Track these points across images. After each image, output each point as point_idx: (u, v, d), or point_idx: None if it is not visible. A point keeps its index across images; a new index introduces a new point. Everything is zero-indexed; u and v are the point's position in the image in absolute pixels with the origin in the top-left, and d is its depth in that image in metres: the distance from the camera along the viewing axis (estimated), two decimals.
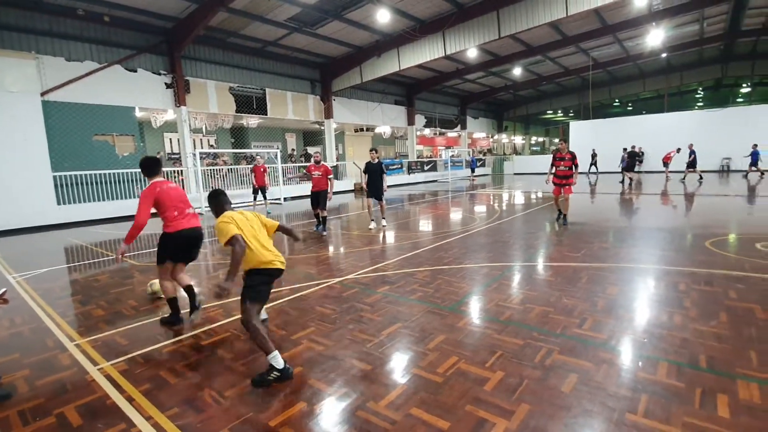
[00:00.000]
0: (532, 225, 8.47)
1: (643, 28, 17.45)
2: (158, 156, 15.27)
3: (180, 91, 14.05)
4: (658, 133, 23.66)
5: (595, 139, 25.34)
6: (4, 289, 2.68)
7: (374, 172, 8.47)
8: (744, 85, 26.94)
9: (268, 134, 22.43)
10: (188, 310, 3.82)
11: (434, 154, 32.63)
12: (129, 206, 12.46)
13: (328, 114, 19.83)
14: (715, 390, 2.44)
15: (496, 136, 37.51)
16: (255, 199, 12.71)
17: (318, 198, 8.37)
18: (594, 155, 22.75)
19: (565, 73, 25.31)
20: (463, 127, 31.15)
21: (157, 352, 3.26)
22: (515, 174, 29.24)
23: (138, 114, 13.88)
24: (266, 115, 17.43)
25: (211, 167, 15.71)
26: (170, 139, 19.78)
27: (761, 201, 10.73)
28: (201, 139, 20.50)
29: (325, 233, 8.31)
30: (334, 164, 19.96)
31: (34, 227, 10.56)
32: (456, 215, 10.72)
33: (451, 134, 32.62)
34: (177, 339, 3.50)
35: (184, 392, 2.66)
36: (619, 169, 17.55)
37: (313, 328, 3.60)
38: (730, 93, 27.86)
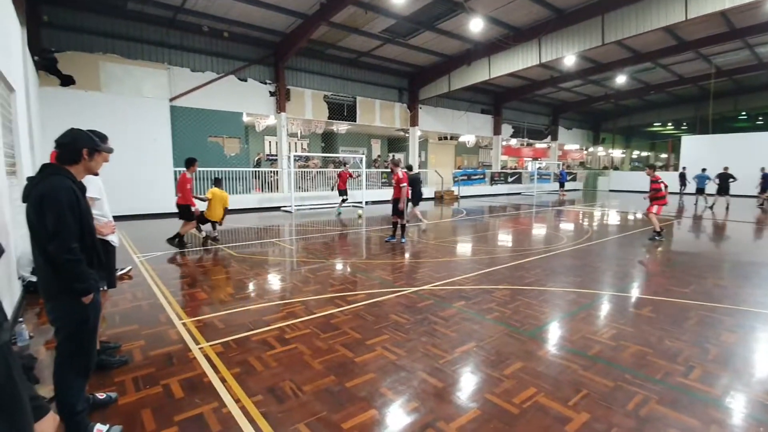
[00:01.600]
0: (628, 250, 7.66)
1: None
2: (258, 157, 16.85)
3: (282, 99, 15.35)
4: None
5: (715, 156, 22.06)
6: (130, 267, 3.16)
7: (416, 182, 9.86)
8: None
9: (355, 140, 23.41)
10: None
11: (519, 166, 31.17)
12: (232, 201, 13.90)
13: (414, 122, 20.07)
14: None
15: (591, 149, 34.62)
16: (343, 201, 13.59)
17: (395, 205, 8.40)
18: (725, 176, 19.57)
19: (679, 82, 22.47)
20: (554, 138, 29.29)
21: (248, 339, 3.59)
22: (611, 191, 26.68)
23: (244, 119, 15.47)
24: (355, 121, 18.23)
25: (302, 169, 16.84)
26: (269, 141, 21.65)
27: None
28: (295, 143, 22.10)
29: (399, 240, 8.37)
30: (417, 172, 20.12)
31: (156, 214, 12.29)
32: (540, 232, 10.12)
33: (540, 145, 30.88)
34: (265, 329, 3.81)
35: (269, 381, 2.89)
36: (757, 192, 15.40)
37: (387, 335, 3.67)
38: None
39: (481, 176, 23.25)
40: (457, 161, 27.53)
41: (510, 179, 24.96)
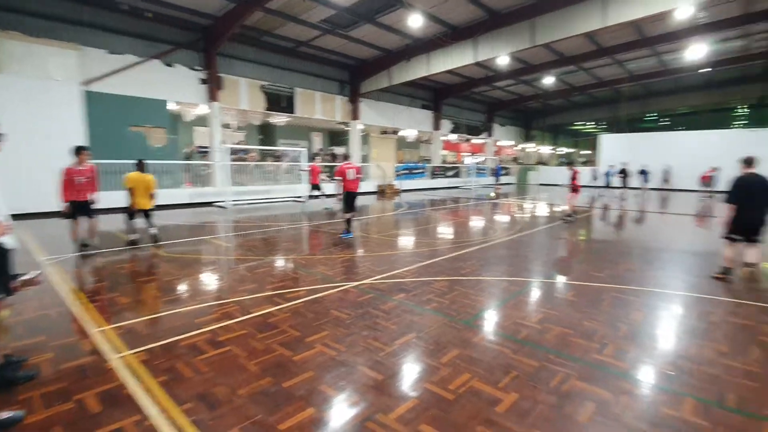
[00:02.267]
0: (555, 240, 8.28)
1: (684, 42, 16.81)
2: (190, 149, 15.77)
3: (214, 87, 14.45)
4: (695, 150, 22.75)
5: (628, 153, 24.59)
6: (38, 272, 2.80)
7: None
8: None
9: (295, 133, 22.79)
10: None
11: (458, 160, 32.37)
12: (159, 197, 12.91)
13: (355, 115, 19.98)
14: None
15: (522, 145, 36.89)
16: (313, 195, 13.28)
17: (354, 200, 8.24)
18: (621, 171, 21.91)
19: (599, 84, 24.68)
20: (490, 135, 30.78)
21: (176, 345, 3.34)
22: (540, 185, 28.67)
23: (171, 107, 14.36)
24: (294, 113, 17.71)
25: (239, 162, 16.04)
26: (201, 132, 20.33)
27: None
28: (230, 135, 20.97)
29: (348, 236, 8.29)
30: (359, 165, 20.07)
31: None
32: (477, 224, 10.59)
33: (477, 141, 32.29)
34: (195, 333, 3.58)
35: (199, 387, 2.72)
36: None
37: (327, 332, 3.62)
38: None
39: (422, 170, 23.80)
40: (399, 155, 27.91)
41: (449, 173, 25.83)
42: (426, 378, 2.87)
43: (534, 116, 35.66)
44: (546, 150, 39.22)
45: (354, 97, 19.79)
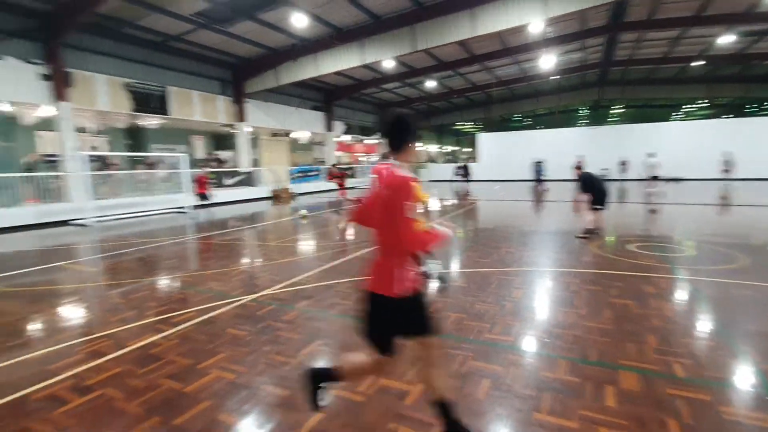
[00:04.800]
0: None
1: (538, 53, 19.61)
2: (32, 159, 13.05)
3: (60, 84, 12.16)
4: (552, 146, 26.72)
5: (501, 149, 27.85)
6: None
7: None
8: (616, 106, 31.92)
9: (172, 136, 20.47)
10: None
11: (353, 161, 32.81)
12: None
13: (241, 117, 18.79)
14: (603, 381, 2.74)
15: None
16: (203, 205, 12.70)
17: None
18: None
19: (473, 88, 27.33)
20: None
21: (27, 400, 2.70)
22: (430, 181, 30.68)
23: (2, 108, 11.70)
24: (168, 115, 15.91)
25: (101, 172, 13.81)
26: (44, 138, 16.96)
27: (631, 208, 12.63)
28: (89, 140, 17.93)
29: None
30: (248, 170, 18.97)
31: None
32: None
33: (370, 141, 33.14)
34: (53, 380, 2.94)
35: None
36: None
37: (223, 354, 3.30)
38: (606, 113, 32.70)
39: (317, 173, 23.53)
40: (292, 158, 27.17)
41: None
42: (334, 385, 2.80)
43: (421, 117, 38.01)
44: (433, 148, 42.13)
45: (239, 98, 18.59)
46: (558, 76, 25.16)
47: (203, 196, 12.54)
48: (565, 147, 25.85)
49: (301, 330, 3.74)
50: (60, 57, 12.14)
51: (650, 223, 9.68)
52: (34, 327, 4.08)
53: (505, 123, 35.55)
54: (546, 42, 17.79)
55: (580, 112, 33.97)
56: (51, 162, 14.58)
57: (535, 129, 31.44)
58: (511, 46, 18.54)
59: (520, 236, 8.10)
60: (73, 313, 4.50)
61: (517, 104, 33.42)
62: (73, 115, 12.83)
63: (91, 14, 11.40)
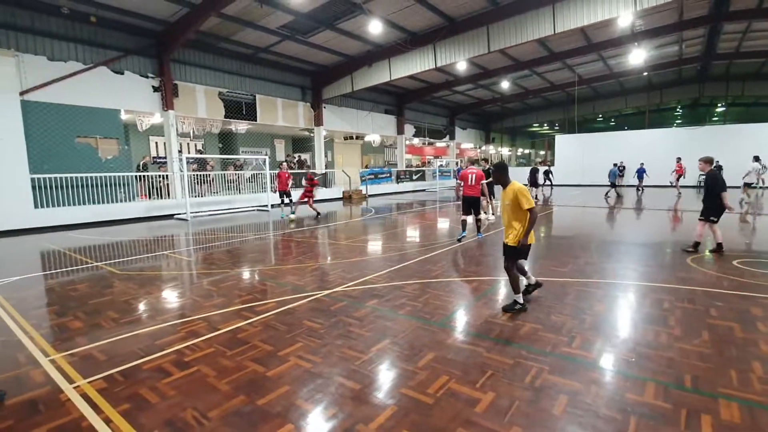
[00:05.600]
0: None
1: (626, 47, 17.98)
2: (144, 160, 15.00)
3: (168, 95, 13.86)
4: (640, 148, 24.32)
5: (580, 151, 25.97)
6: None
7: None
8: (719, 105, 28.03)
9: (257, 140, 22.24)
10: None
11: (423, 164, 32.82)
12: (111, 211, 12.18)
13: (318, 121, 19.80)
14: (699, 410, 2.46)
15: (483, 147, 37.99)
16: (282, 202, 13.02)
17: (470, 204, 8.27)
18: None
19: (551, 88, 25.87)
20: (452, 138, 31.46)
21: (138, 369, 3.14)
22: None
23: (123, 117, 13.62)
24: (256, 121, 17.31)
25: (198, 173, 15.45)
26: (156, 142, 19.43)
27: (730, 219, 11.05)
28: (188, 144, 20.19)
29: (479, 236, 8.47)
30: (323, 172, 19.90)
31: (8, 231, 10.19)
32: (444, 225, 10.75)
33: (440, 144, 32.90)
34: (159, 354, 3.38)
35: (166, 413, 2.56)
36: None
37: (301, 343, 3.53)
38: (706, 112, 28.90)
39: (388, 175, 23.93)
40: (364, 160, 27.95)
41: (415, 177, 26.14)
42: (404, 383, 2.85)
43: (493, 119, 36.86)
44: (506, 151, 40.61)
45: (317, 103, 19.62)
46: (649, 72, 22.83)
47: (284, 194, 12.69)
48: (656, 150, 23.41)
49: (372, 327, 3.85)
50: (168, 71, 13.83)
51: (754, 236, 8.39)
52: (144, 306, 4.70)
53: (587, 124, 33.06)
54: (636, 36, 16.26)
55: (676, 111, 30.42)
56: (159, 163, 16.62)
57: (622, 130, 28.78)
58: (596, 41, 17.24)
59: (603, 246, 7.50)
60: (174, 296, 5.11)
61: (601, 103, 30.95)
62: (176, 121, 14.52)
63: (194, 32, 12.83)
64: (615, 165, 18.98)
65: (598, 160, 24.83)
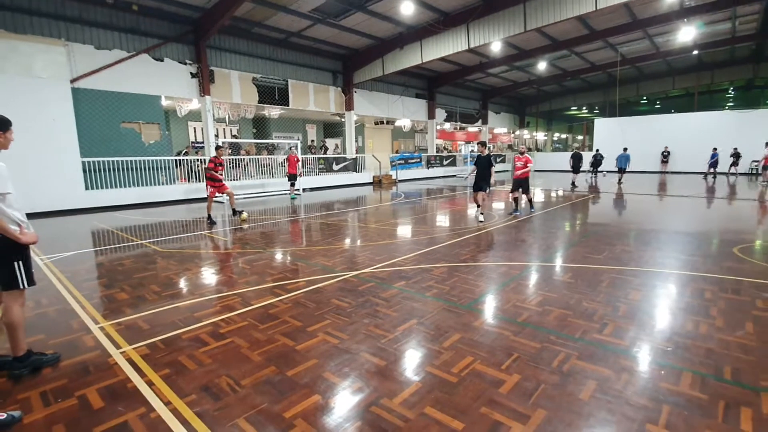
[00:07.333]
0: (551, 224, 8.31)
1: (674, 24, 16.71)
2: (186, 149, 15.59)
3: (205, 81, 14.26)
4: (687, 132, 22.83)
5: (622, 136, 24.67)
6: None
7: (482, 165, 8.87)
8: None
9: (289, 125, 22.58)
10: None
11: (453, 149, 32.29)
12: (154, 193, 12.81)
13: (349, 106, 19.82)
14: (739, 403, 2.35)
15: (517, 132, 36.84)
16: (292, 185, 13.59)
17: (521, 184, 9.65)
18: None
19: (591, 69, 24.55)
20: (484, 122, 30.66)
21: (178, 338, 3.34)
22: (535, 171, 28.69)
23: (163, 103, 14.17)
24: (288, 106, 17.54)
25: (234, 156, 15.93)
26: (194, 128, 20.12)
27: None
28: (224, 129, 20.79)
29: (533, 211, 9.81)
30: (353, 156, 19.99)
31: (61, 210, 10.94)
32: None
33: (472, 129, 32.17)
34: (197, 326, 3.57)
35: (202, 379, 2.72)
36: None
37: (329, 320, 3.63)
38: (761, 94, 26.59)
39: (418, 160, 23.74)
40: (394, 145, 27.81)
41: (445, 162, 25.78)
42: (429, 362, 2.89)
43: (528, 102, 35.52)
44: (541, 136, 39.18)
45: (347, 88, 19.61)
46: (699, 51, 21.19)
47: (293, 177, 13.15)
48: (705, 134, 21.89)
49: (399, 308, 3.90)
50: (204, 57, 14.20)
51: None
52: (183, 282, 4.96)
53: (630, 107, 31.25)
54: (685, 11, 15.07)
55: (728, 93, 28.12)
56: (197, 148, 17.22)
57: (668, 113, 27.01)
58: (642, 17, 16.11)
59: (642, 234, 7.17)
60: (211, 273, 5.36)
61: (646, 85, 29.12)
62: (213, 107, 14.95)
63: (229, 18, 13.05)
64: (624, 151, 17.72)
65: (641, 145, 23.53)
